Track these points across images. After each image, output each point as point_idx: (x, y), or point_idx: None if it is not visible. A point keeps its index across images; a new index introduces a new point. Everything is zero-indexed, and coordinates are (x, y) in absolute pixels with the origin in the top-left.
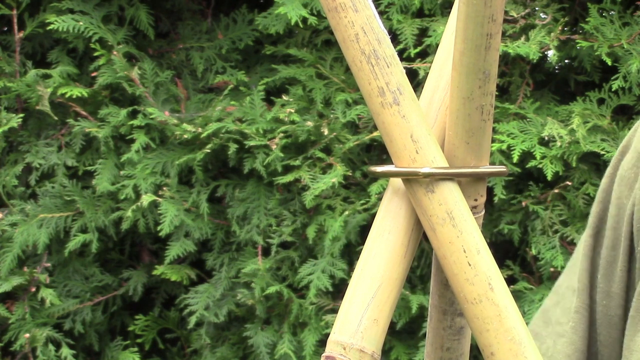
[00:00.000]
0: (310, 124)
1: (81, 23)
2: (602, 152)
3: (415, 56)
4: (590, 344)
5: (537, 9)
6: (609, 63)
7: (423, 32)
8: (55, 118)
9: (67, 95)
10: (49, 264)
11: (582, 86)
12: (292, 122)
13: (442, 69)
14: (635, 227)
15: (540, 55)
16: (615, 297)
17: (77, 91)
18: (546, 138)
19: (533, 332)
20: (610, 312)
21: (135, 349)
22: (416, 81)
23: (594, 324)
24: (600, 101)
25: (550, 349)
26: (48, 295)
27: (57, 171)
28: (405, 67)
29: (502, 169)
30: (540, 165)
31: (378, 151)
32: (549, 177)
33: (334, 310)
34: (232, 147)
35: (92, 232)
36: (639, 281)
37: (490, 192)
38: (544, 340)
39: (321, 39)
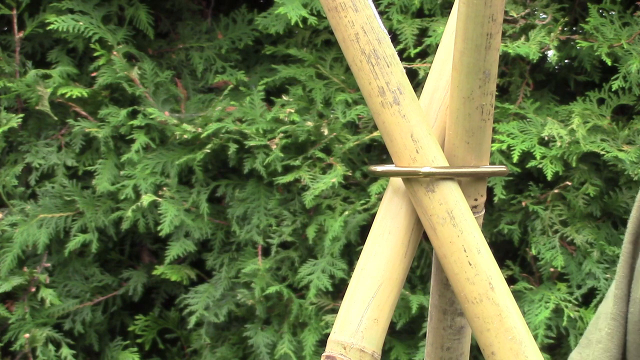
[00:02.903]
0: (310, 124)
1: (81, 23)
2: (602, 152)
3: (415, 56)
4: (625, 350)
5: (537, 9)
6: (609, 63)
7: (423, 32)
8: (55, 118)
9: (67, 96)
10: (49, 264)
11: (582, 86)
12: (292, 122)
13: (442, 68)
14: None
15: (540, 55)
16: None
17: (77, 91)
18: (546, 138)
19: (587, 338)
20: (635, 318)
21: (135, 349)
22: (416, 81)
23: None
24: (600, 101)
25: (590, 355)
26: (48, 295)
27: (57, 171)
28: (405, 67)
29: (502, 168)
30: (540, 165)
31: (378, 151)
32: (549, 177)
33: (334, 310)
34: (232, 147)
35: (92, 232)
36: None
37: (490, 192)
38: (591, 345)
39: (321, 39)
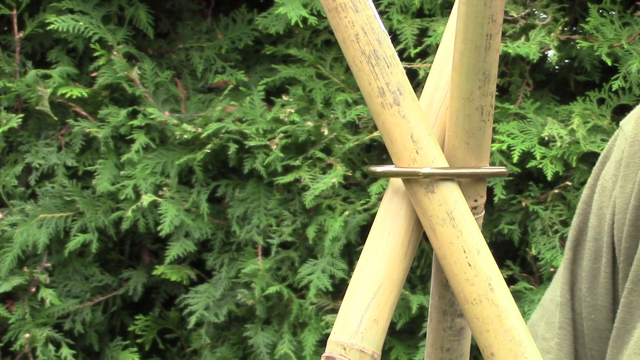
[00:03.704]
0: (310, 124)
1: (81, 23)
2: None
3: (416, 56)
4: (576, 358)
5: (536, 9)
6: (609, 63)
7: (423, 32)
8: (55, 118)
9: (67, 96)
10: (49, 264)
11: (582, 86)
12: (292, 122)
13: (442, 69)
14: (616, 237)
15: (540, 55)
16: (603, 310)
17: (77, 91)
18: (546, 138)
19: (532, 328)
20: (600, 327)
21: (135, 349)
22: (416, 81)
23: (579, 337)
24: (601, 101)
25: None
26: (48, 295)
27: (57, 171)
28: (405, 67)
29: (502, 169)
30: (540, 166)
31: (378, 151)
32: (549, 177)
33: (334, 310)
34: (232, 147)
35: (92, 232)
36: (623, 292)
37: (490, 192)
38: (537, 340)
39: (321, 39)
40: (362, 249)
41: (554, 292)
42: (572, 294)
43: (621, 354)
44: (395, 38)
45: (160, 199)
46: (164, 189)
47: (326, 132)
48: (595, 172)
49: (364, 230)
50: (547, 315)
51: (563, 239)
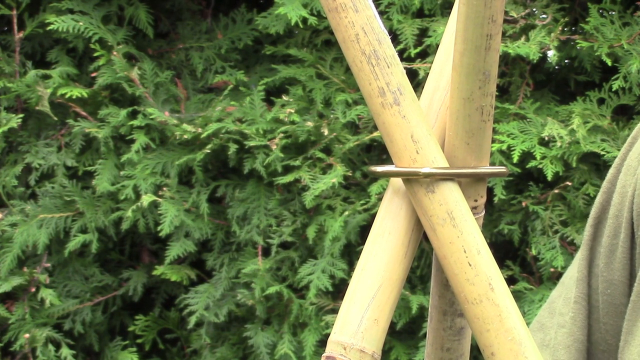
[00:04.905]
0: (310, 124)
1: (81, 23)
2: (602, 153)
3: (416, 56)
4: (590, 332)
5: (536, 9)
6: (609, 63)
7: (423, 32)
8: (55, 118)
9: (67, 96)
10: (48, 264)
11: (582, 86)
12: (292, 123)
13: (442, 69)
14: (635, 212)
15: (540, 55)
16: (619, 285)
17: (77, 91)
18: (546, 138)
19: (539, 322)
20: (615, 301)
21: (135, 349)
22: (416, 81)
23: (594, 312)
24: (601, 101)
25: (552, 340)
26: (48, 295)
27: (57, 171)
28: (405, 67)
29: (502, 169)
30: (540, 166)
31: (378, 151)
32: (549, 177)
33: (334, 311)
34: (232, 148)
35: (92, 232)
36: (639, 267)
37: (490, 192)
38: (548, 331)
39: (321, 39)
40: (362, 249)
41: (573, 269)
42: (589, 270)
43: (636, 327)
44: (395, 38)
45: (160, 199)
46: (164, 189)
47: (326, 132)
48: (623, 152)
49: (364, 230)
50: (565, 292)
51: (563, 239)
